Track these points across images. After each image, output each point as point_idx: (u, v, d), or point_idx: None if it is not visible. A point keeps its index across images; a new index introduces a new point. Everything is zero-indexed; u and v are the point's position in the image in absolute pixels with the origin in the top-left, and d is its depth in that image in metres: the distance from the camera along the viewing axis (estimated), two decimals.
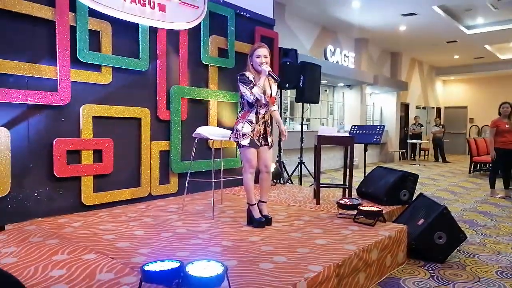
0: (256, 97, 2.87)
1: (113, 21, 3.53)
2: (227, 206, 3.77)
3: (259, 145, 2.97)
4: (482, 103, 15.18)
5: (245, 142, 2.91)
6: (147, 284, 1.82)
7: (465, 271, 2.88)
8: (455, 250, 3.19)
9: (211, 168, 3.38)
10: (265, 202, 3.12)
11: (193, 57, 4.30)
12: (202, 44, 4.35)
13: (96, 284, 1.90)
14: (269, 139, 3.02)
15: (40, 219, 3.11)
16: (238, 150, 4.61)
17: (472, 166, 9.19)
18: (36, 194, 3.15)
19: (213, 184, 3.34)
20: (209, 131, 3.47)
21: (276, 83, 3.08)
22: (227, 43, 4.64)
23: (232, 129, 3.02)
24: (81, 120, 3.39)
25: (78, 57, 3.34)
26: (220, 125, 4.55)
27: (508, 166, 6.01)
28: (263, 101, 2.94)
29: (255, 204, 3.04)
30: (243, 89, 2.90)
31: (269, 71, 2.89)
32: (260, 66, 2.91)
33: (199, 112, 4.42)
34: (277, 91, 3.12)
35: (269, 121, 3.07)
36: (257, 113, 2.95)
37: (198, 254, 2.34)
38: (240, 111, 3.05)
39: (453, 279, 2.72)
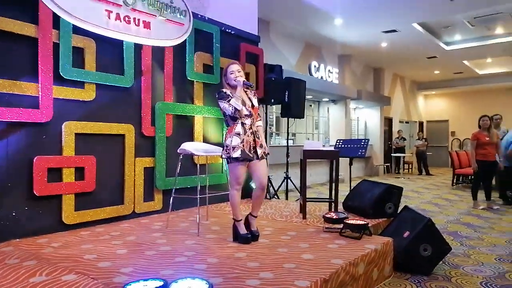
0: (235, 108, 2.87)
1: (98, 38, 3.52)
2: (212, 222, 3.72)
3: (251, 156, 2.92)
4: (462, 116, 15.56)
5: (236, 154, 2.87)
6: None
7: (451, 282, 2.88)
8: (441, 262, 3.20)
9: (196, 184, 3.34)
10: (255, 217, 3.11)
11: (178, 73, 4.30)
12: (187, 60, 4.36)
13: None
14: (259, 151, 2.97)
15: (18, 240, 3.01)
16: (227, 165, 4.59)
17: (455, 179, 9.34)
18: (14, 214, 3.05)
19: (198, 200, 3.30)
20: (195, 147, 3.44)
21: (256, 96, 3.11)
22: (213, 60, 4.66)
23: (222, 146, 3.00)
24: (63, 137, 3.33)
25: (61, 73, 3.30)
26: (205, 140, 4.53)
27: (490, 177, 6.13)
28: (245, 112, 2.93)
29: (241, 220, 3.01)
30: (222, 103, 2.92)
31: (243, 80, 2.92)
32: (235, 80, 2.95)
33: (184, 128, 4.39)
34: (260, 105, 3.14)
35: (257, 132, 3.03)
36: (243, 124, 2.94)
37: (183, 272, 2.29)
38: (226, 127, 3.04)
39: None
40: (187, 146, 3.41)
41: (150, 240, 3.04)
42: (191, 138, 4.43)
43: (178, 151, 3.46)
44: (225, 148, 2.94)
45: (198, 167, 3.47)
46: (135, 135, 3.84)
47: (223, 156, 2.96)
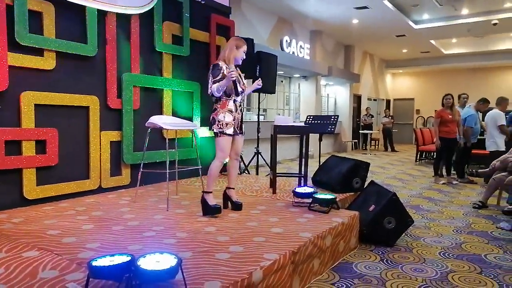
0: (212, 93, 2.93)
1: (57, 1, 3.29)
2: (182, 197, 3.69)
3: (238, 132, 3.07)
4: (427, 95, 16.07)
5: (230, 131, 2.97)
6: (95, 280, 1.73)
7: (412, 253, 3.02)
8: (403, 234, 3.34)
9: (166, 159, 3.28)
10: (233, 189, 3.23)
11: (145, 44, 4.13)
12: (155, 30, 4.19)
13: (38, 283, 1.77)
14: (243, 126, 3.13)
15: None
16: (196, 137, 4.52)
17: (418, 155, 9.71)
18: None
19: (167, 174, 3.25)
20: (163, 121, 3.36)
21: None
22: (182, 30, 4.50)
23: (211, 120, 3.01)
24: (21, 108, 3.14)
25: (17, 39, 3.08)
26: (174, 114, 4.43)
27: (451, 154, 6.40)
28: (239, 90, 3.01)
29: (211, 192, 3.03)
30: (209, 78, 2.96)
31: (232, 79, 2.89)
32: (240, 60, 3.04)
33: (152, 101, 4.28)
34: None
35: (242, 108, 3.18)
36: (234, 102, 3.02)
37: (151, 247, 2.26)
38: (216, 102, 3.03)
39: (401, 261, 2.85)
40: (155, 120, 3.32)
41: (117, 215, 2.98)
42: (159, 112, 4.33)
43: (146, 124, 3.38)
44: (216, 122, 2.99)
45: (167, 142, 3.39)
46: (100, 108, 3.70)
47: (215, 130, 3.00)
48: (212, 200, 3.02)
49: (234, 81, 2.92)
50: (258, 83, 3.17)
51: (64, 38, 3.40)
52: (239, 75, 3.11)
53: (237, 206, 3.18)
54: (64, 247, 2.24)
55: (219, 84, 2.91)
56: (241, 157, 5.81)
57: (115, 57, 3.82)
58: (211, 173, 3.01)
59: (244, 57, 3.08)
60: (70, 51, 3.43)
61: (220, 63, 2.98)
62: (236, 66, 3.09)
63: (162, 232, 2.58)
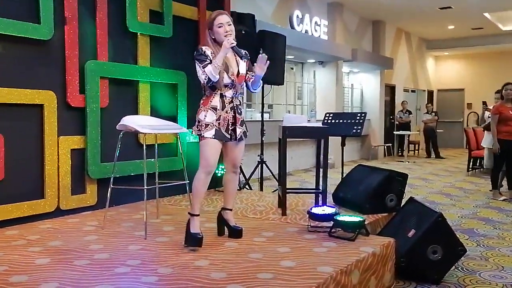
0: (209, 77, 2.87)
1: None
2: (164, 221, 3.70)
3: (228, 137, 3.01)
4: (481, 84, 16.02)
5: (209, 133, 2.94)
6: None
7: None
8: (453, 267, 3.33)
9: (143, 171, 3.29)
10: (231, 210, 3.21)
11: (115, 23, 4.16)
12: (127, 5, 4.22)
13: None
14: (239, 130, 3.05)
15: None
16: (181, 141, 4.53)
17: (471, 162, 9.69)
18: None
19: (145, 192, 3.26)
20: (139, 122, 3.38)
21: (247, 60, 3.11)
22: (162, 5, 4.54)
23: (194, 121, 3.04)
24: None
25: None
26: (154, 113, 4.45)
27: None
28: (226, 81, 2.96)
29: (197, 215, 2.99)
30: (197, 67, 2.95)
31: (231, 44, 2.87)
32: (225, 37, 2.93)
33: (125, 97, 4.30)
34: (248, 68, 3.14)
35: (239, 106, 3.11)
36: (222, 96, 2.99)
37: (126, 286, 2.28)
38: (202, 97, 3.05)
39: None
40: (129, 121, 3.34)
41: (81, 245, 2.99)
42: (134, 110, 4.35)
43: (117, 127, 3.39)
44: (196, 123, 3.00)
45: (144, 149, 3.40)
46: (57, 106, 3.73)
47: (194, 133, 3.03)
48: (195, 227, 2.97)
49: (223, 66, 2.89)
50: (260, 64, 3.00)
51: (11, 18, 3.42)
52: (237, 62, 3.07)
53: (235, 233, 3.17)
54: None
55: (214, 63, 2.85)
56: (240, 168, 5.84)
57: (76, 40, 3.83)
58: (193, 189, 3.01)
59: (227, 29, 2.95)
60: (18, 33, 3.45)
61: (202, 47, 2.99)
62: (234, 51, 3.00)
63: (140, 267, 2.58)
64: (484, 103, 8.40)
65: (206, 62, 2.90)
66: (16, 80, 3.50)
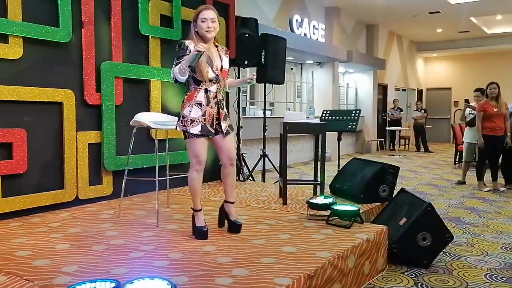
0: (175, 78, 2.74)
1: None
2: (174, 210, 3.70)
3: (213, 132, 2.88)
4: (467, 84, 15.92)
5: (195, 130, 2.81)
6: None
7: (452, 276, 3.02)
8: (441, 253, 3.33)
9: (155, 164, 3.30)
10: (232, 203, 3.07)
11: (129, 27, 4.16)
12: (139, 10, 4.21)
13: None
14: (224, 124, 2.93)
15: None
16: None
17: (458, 156, 9.67)
18: None
19: (157, 183, 3.26)
20: (151, 118, 3.38)
21: (228, 56, 3.01)
22: (172, 10, 4.53)
23: (178, 116, 2.92)
24: None
25: None
26: (165, 110, 4.44)
27: (497, 154, 6.37)
28: (210, 76, 2.82)
29: (200, 210, 2.94)
30: (174, 62, 2.78)
31: (199, 52, 2.64)
32: (206, 32, 2.81)
33: (138, 95, 4.30)
34: (231, 67, 3.03)
35: (223, 101, 2.98)
36: (206, 91, 2.85)
37: (139, 270, 2.27)
38: (186, 92, 2.94)
39: (439, 286, 2.84)
40: (141, 118, 3.34)
41: (98, 232, 3.00)
42: (146, 107, 4.35)
43: (130, 123, 3.40)
44: (181, 118, 2.86)
45: (156, 143, 3.40)
46: (75, 104, 3.73)
47: (178, 128, 2.89)
48: (199, 220, 2.91)
49: (203, 58, 2.72)
50: (250, 78, 2.95)
51: (33, 21, 3.42)
52: (221, 58, 2.92)
53: (235, 227, 3.00)
54: (36, 271, 2.25)
55: (181, 64, 2.70)
56: (244, 161, 5.84)
57: (92, 43, 3.83)
58: (189, 187, 2.93)
59: (210, 25, 2.79)
60: (40, 36, 3.45)
61: (185, 41, 2.83)
62: (217, 45, 2.90)
63: (152, 252, 2.58)
64: (466, 100, 8.37)
65: (181, 60, 2.73)
66: (38, 79, 3.50)
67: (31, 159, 3.45)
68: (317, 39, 10.08)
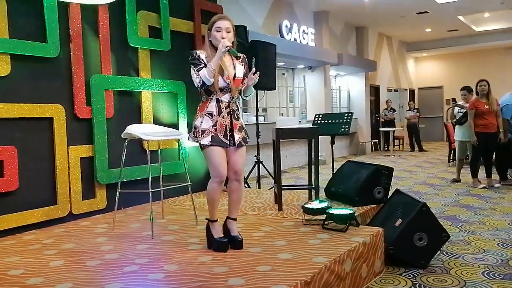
0: (203, 81, 2.68)
1: None
2: (170, 221, 3.68)
3: (227, 143, 2.79)
4: (458, 81, 15.97)
5: (205, 140, 2.73)
6: None
7: (450, 275, 3.01)
8: (438, 252, 3.32)
9: (148, 175, 3.28)
10: (235, 220, 2.93)
11: (117, 39, 4.15)
12: (128, 22, 4.20)
13: None
14: (237, 136, 2.82)
15: None
16: (184, 148, 4.52)
17: (452, 154, 9.68)
18: None
19: (150, 194, 3.23)
20: (142, 130, 3.36)
21: (244, 65, 2.91)
22: (160, 20, 4.52)
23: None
24: None
25: None
26: (156, 122, 4.43)
27: (490, 152, 6.38)
28: (220, 85, 2.75)
29: (216, 221, 2.87)
30: (192, 71, 2.75)
31: (227, 46, 2.68)
32: (221, 41, 2.71)
33: (129, 107, 4.28)
34: (245, 72, 2.88)
35: (237, 111, 2.87)
36: (218, 101, 2.78)
37: (134, 284, 2.26)
38: (199, 103, 2.87)
39: (437, 286, 2.83)
40: (133, 130, 3.32)
41: (92, 247, 2.97)
42: (138, 119, 4.33)
43: (122, 135, 3.38)
44: (193, 129, 2.82)
45: (148, 155, 3.38)
46: (66, 118, 3.71)
47: (190, 140, 2.84)
48: (217, 231, 2.84)
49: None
50: (252, 76, 2.81)
51: (20, 38, 3.41)
52: (234, 66, 2.83)
53: (235, 243, 2.83)
54: None
55: (209, 66, 2.67)
56: None
57: (81, 56, 3.82)
58: (207, 198, 2.86)
59: (224, 35, 2.73)
60: (28, 52, 3.44)
61: (196, 51, 2.79)
62: (230, 52, 2.79)
63: (147, 265, 2.56)
64: (454, 100, 8.37)
65: (201, 66, 2.71)
66: (27, 95, 3.48)
67: (23, 175, 3.42)
68: (307, 43, 10.11)
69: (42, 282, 2.33)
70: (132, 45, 4.27)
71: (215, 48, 2.77)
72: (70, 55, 3.76)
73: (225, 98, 2.80)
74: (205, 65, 2.72)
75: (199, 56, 2.76)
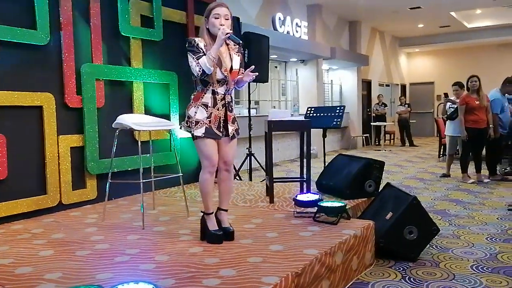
0: (203, 70, 2.63)
1: None
2: (161, 211, 3.67)
3: (220, 135, 2.77)
4: (449, 77, 16.06)
5: (199, 132, 2.71)
6: None
7: (439, 268, 3.03)
8: (428, 246, 3.35)
9: (139, 166, 3.26)
10: (226, 211, 2.91)
11: (109, 28, 4.10)
12: (119, 10, 4.16)
13: None
14: (231, 128, 2.82)
15: None
16: (175, 136, 4.50)
17: (442, 149, 9.77)
18: None
19: (141, 185, 3.22)
20: (134, 120, 3.35)
21: (240, 55, 2.86)
22: (152, 10, 4.48)
23: (184, 116, 2.84)
24: None
25: None
26: (148, 112, 4.40)
27: (480, 147, 6.44)
28: (218, 76, 2.72)
29: (212, 213, 2.86)
30: (190, 59, 2.69)
31: (227, 33, 2.62)
32: (220, 29, 2.66)
33: (120, 97, 4.25)
34: (241, 63, 2.84)
35: (231, 103, 2.86)
36: (214, 93, 2.74)
37: (125, 274, 2.24)
38: (193, 92, 2.83)
39: (426, 278, 2.86)
40: (124, 119, 3.30)
41: (82, 237, 2.95)
42: (129, 109, 4.30)
43: (113, 125, 3.36)
44: (186, 119, 2.79)
45: (139, 145, 3.36)
46: (56, 107, 3.67)
47: (182, 129, 2.82)
48: (212, 223, 2.81)
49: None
50: (249, 74, 2.78)
51: (9, 24, 3.35)
52: (231, 57, 2.79)
53: (226, 235, 2.81)
54: (18, 280, 2.20)
55: (209, 54, 2.61)
56: None
57: (72, 45, 3.77)
58: (201, 189, 2.84)
59: (223, 22, 2.68)
60: (16, 39, 3.38)
61: (195, 38, 2.73)
62: (231, 39, 2.74)
63: (138, 256, 2.55)
64: (446, 95, 8.44)
65: (200, 54, 2.65)
66: (16, 83, 3.43)
67: (12, 165, 3.38)
68: (300, 36, 10.09)
69: (31, 272, 2.32)
70: (124, 34, 4.22)
71: (212, 37, 2.73)
72: (61, 42, 3.71)
73: (221, 90, 2.77)
74: (204, 54, 2.67)
75: (198, 44, 2.70)
